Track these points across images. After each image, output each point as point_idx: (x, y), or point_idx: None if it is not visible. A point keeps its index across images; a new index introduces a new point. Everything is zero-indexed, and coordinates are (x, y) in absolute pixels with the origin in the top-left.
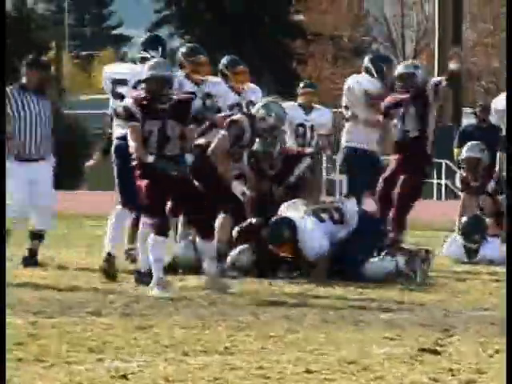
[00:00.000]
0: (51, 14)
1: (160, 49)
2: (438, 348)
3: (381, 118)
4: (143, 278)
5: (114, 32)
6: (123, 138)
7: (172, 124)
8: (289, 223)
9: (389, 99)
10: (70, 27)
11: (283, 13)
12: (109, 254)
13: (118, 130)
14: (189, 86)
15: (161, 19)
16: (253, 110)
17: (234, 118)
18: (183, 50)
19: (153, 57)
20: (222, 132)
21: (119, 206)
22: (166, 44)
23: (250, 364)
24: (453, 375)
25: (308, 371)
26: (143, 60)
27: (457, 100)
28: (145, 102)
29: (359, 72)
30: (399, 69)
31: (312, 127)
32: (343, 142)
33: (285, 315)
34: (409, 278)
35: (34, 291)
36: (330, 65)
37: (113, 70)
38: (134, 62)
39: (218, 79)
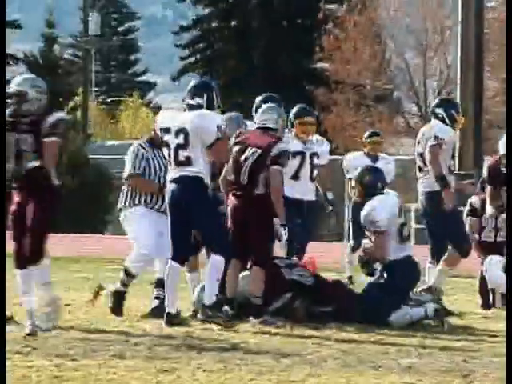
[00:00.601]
0: (78, 61)
1: (205, 96)
2: None
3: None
4: (173, 319)
5: (140, 79)
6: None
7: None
8: None
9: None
10: (96, 73)
11: (307, 61)
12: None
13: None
14: (297, 145)
15: (186, 66)
16: None
17: None
18: (294, 110)
19: (200, 104)
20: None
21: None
22: (214, 90)
23: None
24: None
25: None
26: (191, 108)
27: (478, 148)
28: None
29: (381, 120)
30: None
31: None
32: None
33: (306, 359)
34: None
35: (59, 333)
36: (353, 112)
37: (160, 118)
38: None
39: (321, 138)
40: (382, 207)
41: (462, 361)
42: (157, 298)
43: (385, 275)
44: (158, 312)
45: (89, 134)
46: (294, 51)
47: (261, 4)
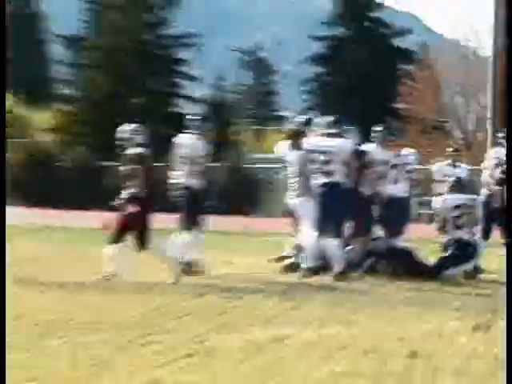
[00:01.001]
0: (235, 101)
1: (339, 127)
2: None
3: None
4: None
5: (276, 114)
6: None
7: None
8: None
9: None
10: (247, 109)
11: (390, 103)
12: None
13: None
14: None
15: (311, 104)
16: None
17: None
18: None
19: (337, 133)
20: None
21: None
22: (341, 123)
23: None
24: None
25: None
26: (330, 135)
27: None
28: None
29: (438, 143)
30: None
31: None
32: None
33: (387, 300)
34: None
35: None
36: (420, 137)
37: (307, 142)
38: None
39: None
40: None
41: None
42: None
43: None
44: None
45: (242, 149)
46: (380, 96)
47: (356, 65)
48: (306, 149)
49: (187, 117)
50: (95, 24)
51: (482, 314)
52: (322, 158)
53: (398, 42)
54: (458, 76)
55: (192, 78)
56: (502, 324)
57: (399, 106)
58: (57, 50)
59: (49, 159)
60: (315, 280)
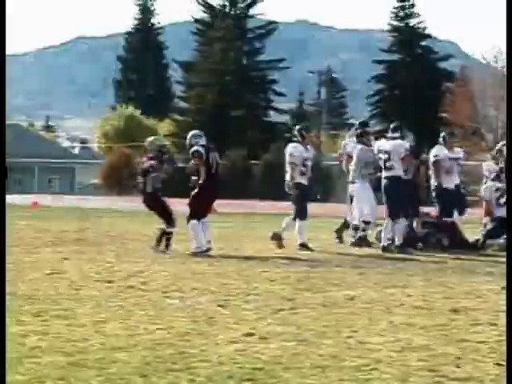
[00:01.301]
0: (314, 112)
1: (400, 132)
2: None
3: None
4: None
5: (346, 122)
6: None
7: None
8: None
9: None
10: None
11: (433, 112)
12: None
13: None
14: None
15: (374, 115)
16: None
17: None
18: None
19: (398, 137)
20: None
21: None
22: (402, 129)
23: None
24: None
25: None
26: (393, 138)
27: None
28: None
29: (475, 144)
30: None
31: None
32: None
33: (429, 269)
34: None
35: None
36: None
37: (375, 144)
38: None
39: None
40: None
41: None
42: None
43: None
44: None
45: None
46: (429, 108)
47: (409, 83)
48: (376, 149)
49: (295, 127)
50: (205, 52)
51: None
52: (384, 156)
53: (441, 64)
54: (489, 91)
55: (280, 94)
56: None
57: (443, 115)
58: (175, 73)
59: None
60: (376, 252)
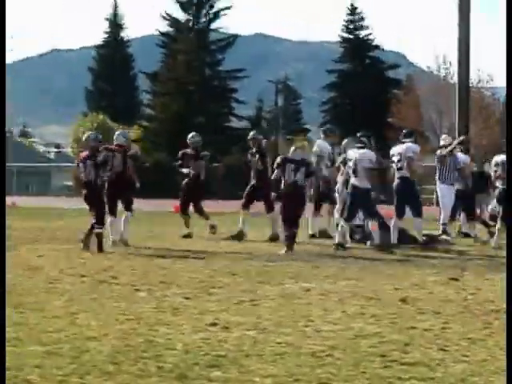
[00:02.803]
0: (271, 117)
1: (413, 137)
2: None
3: None
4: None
5: (301, 127)
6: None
7: None
8: None
9: None
10: (282, 123)
11: (386, 117)
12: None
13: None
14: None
15: (326, 120)
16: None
17: None
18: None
19: (410, 141)
20: None
21: None
22: (415, 135)
23: None
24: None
25: None
26: (401, 143)
27: None
28: None
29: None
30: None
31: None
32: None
33: (374, 264)
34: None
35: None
36: None
37: (392, 149)
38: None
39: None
40: None
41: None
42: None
43: None
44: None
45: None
46: (377, 113)
47: (359, 91)
48: (390, 153)
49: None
50: (170, 63)
51: (453, 270)
52: (397, 158)
53: (389, 73)
54: (432, 97)
55: (240, 102)
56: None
57: (390, 120)
58: (142, 83)
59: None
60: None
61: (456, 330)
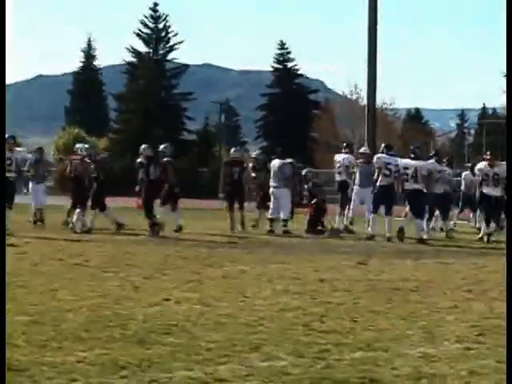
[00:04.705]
0: (215, 132)
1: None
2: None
3: None
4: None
5: (240, 140)
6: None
7: None
8: None
9: None
10: (224, 137)
11: (307, 131)
12: None
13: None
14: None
15: (260, 135)
16: None
17: None
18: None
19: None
20: None
21: None
22: (391, 148)
23: None
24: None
25: None
26: (390, 155)
27: None
28: None
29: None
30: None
31: None
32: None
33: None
34: None
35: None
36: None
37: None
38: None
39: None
40: None
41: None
42: None
43: None
44: None
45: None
46: (302, 129)
47: (287, 111)
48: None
49: None
50: (133, 87)
51: (361, 256)
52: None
53: (311, 97)
54: (346, 117)
55: (190, 119)
56: (408, 261)
57: (313, 134)
58: (111, 102)
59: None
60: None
61: (364, 304)
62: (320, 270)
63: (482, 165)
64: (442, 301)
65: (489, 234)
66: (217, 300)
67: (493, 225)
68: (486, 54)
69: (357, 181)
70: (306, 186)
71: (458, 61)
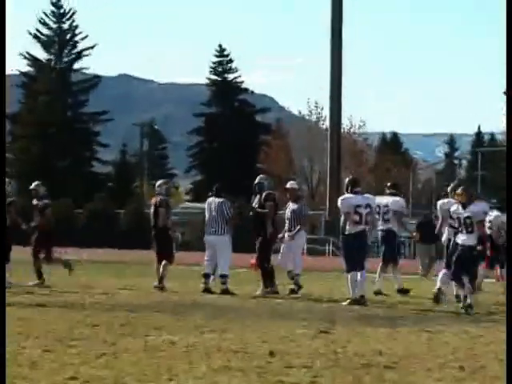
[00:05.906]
0: (136, 162)
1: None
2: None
3: None
4: None
5: (167, 172)
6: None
7: None
8: None
9: None
10: (147, 168)
11: (252, 164)
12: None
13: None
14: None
15: (193, 165)
16: None
17: None
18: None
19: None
20: None
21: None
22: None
23: None
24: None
25: None
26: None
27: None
28: None
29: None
30: None
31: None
32: None
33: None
34: None
35: None
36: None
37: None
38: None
39: None
40: None
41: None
42: None
43: None
44: None
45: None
46: (245, 159)
47: (227, 135)
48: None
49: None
50: (30, 104)
51: (322, 323)
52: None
53: (259, 117)
54: (304, 143)
55: (104, 146)
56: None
57: (260, 165)
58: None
59: None
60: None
61: None
62: (269, 340)
63: (453, 206)
64: (427, 381)
65: (468, 306)
66: (137, 380)
67: (468, 285)
68: (479, 67)
69: (286, 226)
70: None
71: (445, 75)
